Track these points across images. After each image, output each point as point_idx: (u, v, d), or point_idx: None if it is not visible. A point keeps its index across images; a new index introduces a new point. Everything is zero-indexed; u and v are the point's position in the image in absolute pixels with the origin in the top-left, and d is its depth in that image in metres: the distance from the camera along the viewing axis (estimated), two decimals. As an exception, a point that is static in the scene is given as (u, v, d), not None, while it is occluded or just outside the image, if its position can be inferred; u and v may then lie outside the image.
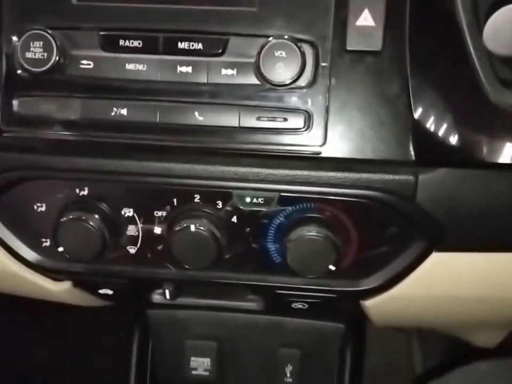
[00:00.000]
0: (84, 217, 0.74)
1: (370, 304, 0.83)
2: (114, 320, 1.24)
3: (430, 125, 0.68)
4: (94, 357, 1.34)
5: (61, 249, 0.76)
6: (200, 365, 1.10)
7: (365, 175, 0.71)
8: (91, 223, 0.74)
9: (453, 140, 0.68)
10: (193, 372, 1.11)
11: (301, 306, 0.87)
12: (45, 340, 1.36)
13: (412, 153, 0.69)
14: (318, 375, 1.11)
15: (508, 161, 0.68)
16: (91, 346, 1.35)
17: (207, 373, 1.10)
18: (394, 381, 1.41)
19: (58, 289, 0.89)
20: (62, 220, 0.74)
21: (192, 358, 1.10)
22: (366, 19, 0.67)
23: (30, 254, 0.81)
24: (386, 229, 0.74)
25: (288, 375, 1.09)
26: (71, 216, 0.74)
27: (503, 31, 0.50)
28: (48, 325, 1.34)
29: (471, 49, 0.67)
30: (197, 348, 1.10)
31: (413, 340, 1.44)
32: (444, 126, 0.68)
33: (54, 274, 0.85)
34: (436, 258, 0.76)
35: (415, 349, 1.44)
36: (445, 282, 0.79)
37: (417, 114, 0.68)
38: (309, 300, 0.85)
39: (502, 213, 0.71)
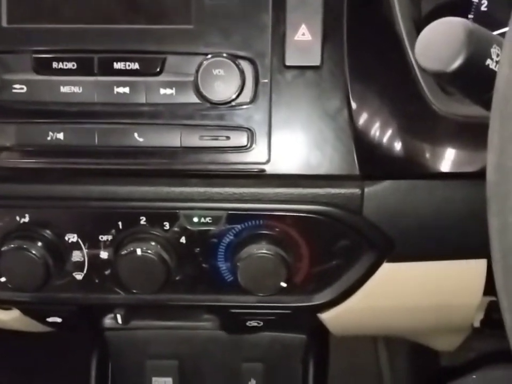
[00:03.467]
0: (25, 246, 0.71)
1: (326, 317, 0.83)
2: (72, 341, 1.21)
3: (373, 137, 0.68)
4: (53, 378, 1.31)
5: (3, 279, 0.73)
6: (162, 384, 1.08)
7: (311, 190, 0.70)
8: (33, 252, 0.71)
9: (396, 151, 0.68)
10: None
11: (255, 324, 0.86)
12: (1, 364, 1.32)
13: (357, 166, 0.68)
14: None
15: (450, 170, 0.68)
16: (49, 368, 1.31)
17: None
18: (362, 384, 1.41)
19: (7, 318, 0.86)
20: (2, 249, 0.72)
21: (154, 378, 1.08)
22: (303, 34, 0.66)
23: None
24: (336, 242, 0.74)
25: (252, 389, 1.08)
26: (12, 245, 0.71)
27: (434, 46, 0.49)
28: (3, 350, 1.30)
29: (412, 59, 0.68)
30: (157, 367, 1.08)
31: (379, 342, 1.44)
32: (387, 138, 0.68)
33: None
34: (386, 269, 0.75)
35: (381, 351, 1.45)
36: (398, 292, 0.79)
37: (359, 127, 0.67)
38: (263, 317, 0.84)
39: (446, 221, 0.71)
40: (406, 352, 1.41)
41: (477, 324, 0.98)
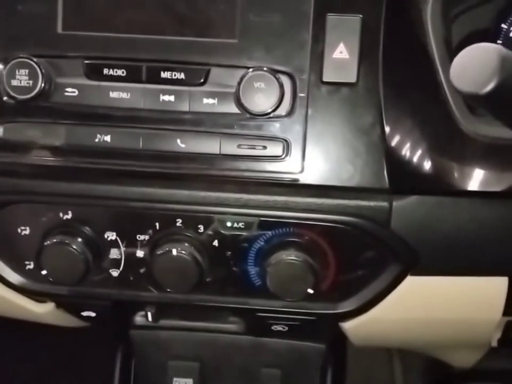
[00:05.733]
0: (67, 241, 0.75)
1: (348, 326, 0.85)
2: (97, 340, 1.24)
3: (403, 153, 0.71)
4: (77, 376, 1.34)
5: (44, 272, 0.77)
6: (183, 385, 1.11)
7: (341, 201, 0.73)
8: (74, 247, 0.75)
9: (425, 168, 0.71)
10: None
11: (280, 328, 0.89)
12: (28, 358, 1.35)
13: (387, 181, 0.71)
14: None
15: (476, 188, 0.71)
16: (74, 365, 1.34)
17: None
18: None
19: (41, 311, 0.90)
20: (45, 243, 0.75)
21: (175, 379, 1.10)
22: (341, 52, 0.69)
23: (13, 277, 0.82)
24: (362, 253, 0.76)
25: (270, 395, 1.10)
26: (54, 240, 0.75)
27: (469, 69, 0.52)
28: (31, 344, 1.33)
29: (443, 81, 0.71)
30: (179, 368, 1.10)
31: (394, 357, 1.45)
32: (417, 155, 0.71)
33: (37, 296, 0.86)
34: (410, 282, 0.78)
35: (396, 365, 1.45)
36: (420, 305, 0.81)
37: (390, 143, 0.70)
38: (288, 322, 0.87)
39: (471, 238, 0.74)
40: (420, 367, 1.42)
41: (494, 343, 0.99)
